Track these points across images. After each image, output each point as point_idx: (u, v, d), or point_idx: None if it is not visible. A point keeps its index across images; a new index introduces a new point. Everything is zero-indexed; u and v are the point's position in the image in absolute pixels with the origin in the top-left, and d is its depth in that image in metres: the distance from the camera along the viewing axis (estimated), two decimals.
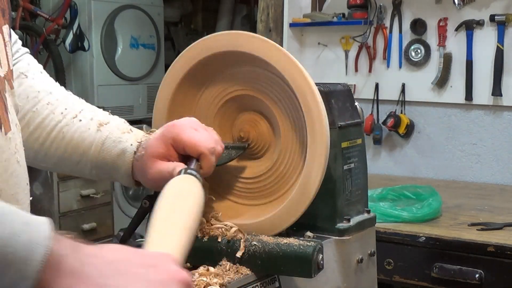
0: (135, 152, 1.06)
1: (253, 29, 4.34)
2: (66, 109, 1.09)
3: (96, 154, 1.07)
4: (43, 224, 0.67)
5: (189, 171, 0.95)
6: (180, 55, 1.14)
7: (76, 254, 0.67)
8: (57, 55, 4.31)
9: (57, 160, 1.09)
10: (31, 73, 1.11)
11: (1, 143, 0.87)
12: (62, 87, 1.14)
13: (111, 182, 4.37)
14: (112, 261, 0.69)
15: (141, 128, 1.15)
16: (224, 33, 1.11)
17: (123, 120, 1.12)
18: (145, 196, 1.10)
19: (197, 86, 1.16)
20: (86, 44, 4.29)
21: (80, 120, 1.08)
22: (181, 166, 0.98)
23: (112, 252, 0.71)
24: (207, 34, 1.13)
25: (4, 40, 0.89)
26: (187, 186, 0.92)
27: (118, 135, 1.07)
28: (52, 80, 1.15)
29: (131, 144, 1.06)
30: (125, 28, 4.55)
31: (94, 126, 1.08)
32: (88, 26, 4.36)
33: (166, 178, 0.97)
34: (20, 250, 0.63)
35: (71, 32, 4.25)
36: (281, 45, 2.92)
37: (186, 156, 1.02)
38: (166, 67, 3.87)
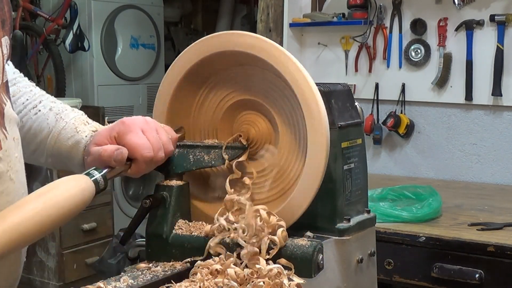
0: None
1: (253, 29, 4.34)
2: (27, 99, 1.14)
3: (53, 143, 1.12)
4: None
5: (91, 172, 0.95)
6: (180, 55, 1.14)
7: None
8: (57, 55, 4.31)
9: None
10: None
11: None
12: (26, 78, 1.18)
13: (111, 182, 4.37)
14: None
15: None
16: (224, 33, 1.11)
17: (81, 112, 1.16)
18: (145, 196, 1.10)
19: (197, 86, 1.16)
20: (86, 44, 4.29)
21: (40, 111, 1.13)
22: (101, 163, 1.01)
23: None
24: (207, 34, 1.13)
25: (2, 53, 0.89)
26: (63, 186, 0.90)
27: (74, 126, 1.12)
28: (17, 70, 1.18)
29: (86, 136, 1.11)
30: (125, 28, 4.55)
31: (52, 117, 1.13)
32: (88, 26, 4.36)
33: (96, 160, 1.03)
34: None
35: (71, 32, 4.24)
36: (281, 45, 2.91)
37: None
38: (166, 67, 3.87)
